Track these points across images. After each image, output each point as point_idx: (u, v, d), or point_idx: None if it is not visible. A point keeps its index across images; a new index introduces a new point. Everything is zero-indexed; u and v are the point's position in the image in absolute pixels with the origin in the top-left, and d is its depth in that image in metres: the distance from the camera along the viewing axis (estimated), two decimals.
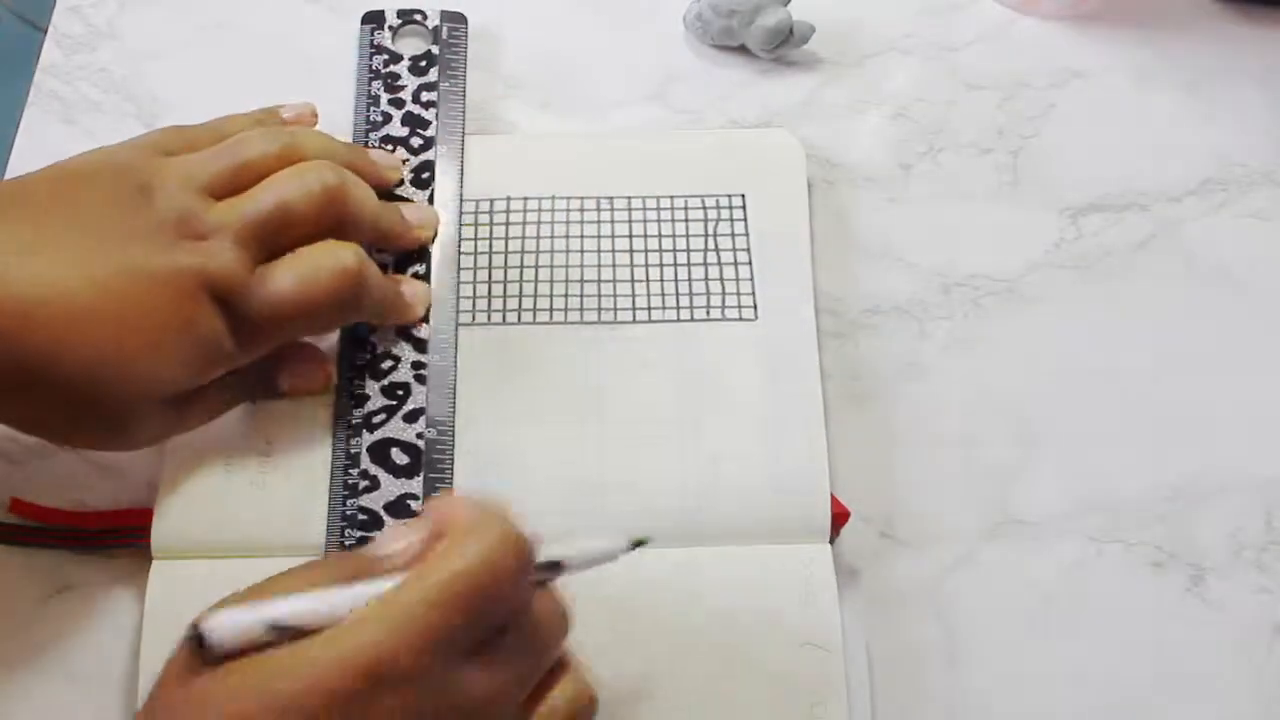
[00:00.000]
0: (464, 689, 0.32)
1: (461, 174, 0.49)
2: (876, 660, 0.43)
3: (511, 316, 0.47)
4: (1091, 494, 0.46)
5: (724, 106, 0.54)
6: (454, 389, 0.45)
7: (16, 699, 0.41)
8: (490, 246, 0.48)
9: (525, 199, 0.49)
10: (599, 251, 0.48)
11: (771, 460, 0.44)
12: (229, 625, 0.31)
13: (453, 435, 0.44)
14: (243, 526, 0.43)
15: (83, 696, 0.41)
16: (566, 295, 0.47)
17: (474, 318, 0.47)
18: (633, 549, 0.37)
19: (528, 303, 0.47)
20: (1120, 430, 0.48)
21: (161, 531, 0.42)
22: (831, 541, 0.44)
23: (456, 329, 0.46)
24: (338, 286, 0.41)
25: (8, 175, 0.50)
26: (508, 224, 0.49)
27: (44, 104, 0.53)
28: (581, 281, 0.48)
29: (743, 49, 0.55)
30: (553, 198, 0.49)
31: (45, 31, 0.55)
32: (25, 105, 0.53)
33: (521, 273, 0.48)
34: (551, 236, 0.49)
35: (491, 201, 0.49)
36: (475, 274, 0.48)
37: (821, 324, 0.48)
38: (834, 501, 0.44)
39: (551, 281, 0.48)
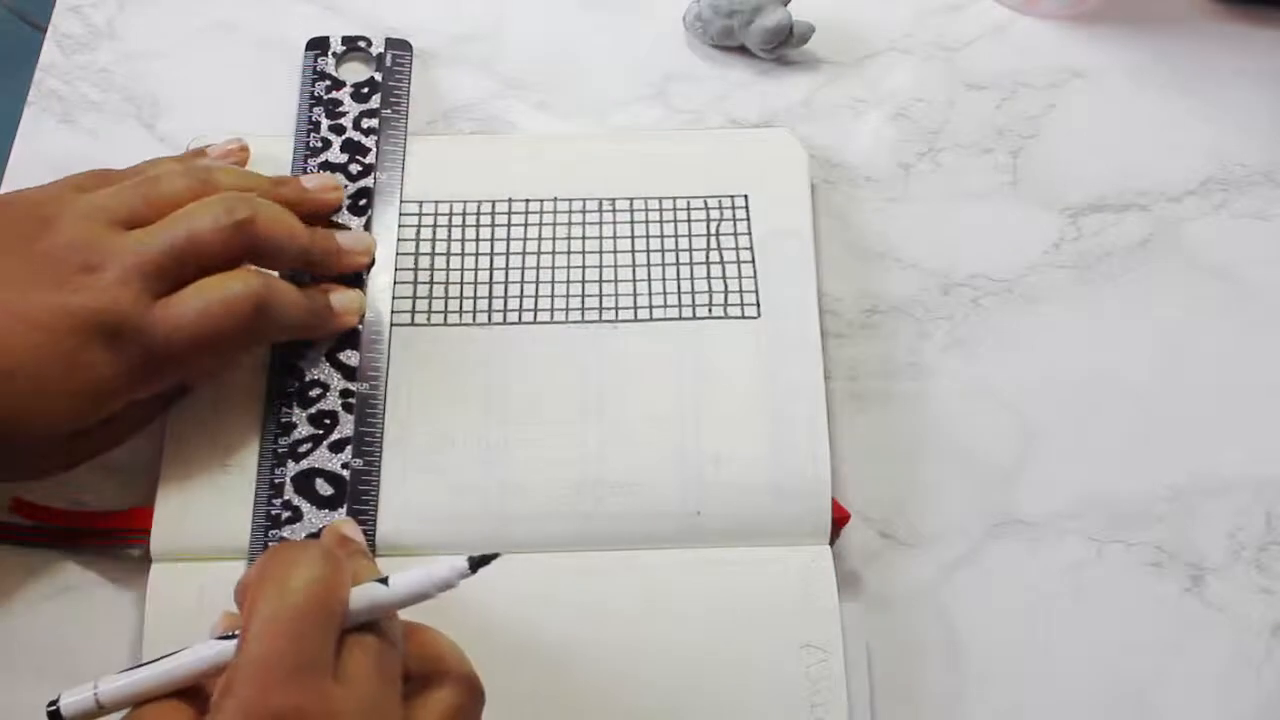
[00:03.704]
0: (349, 701, 0.32)
1: (401, 201, 0.49)
2: (876, 660, 0.43)
3: (513, 316, 0.47)
4: (1091, 494, 0.46)
5: (724, 106, 0.54)
6: (383, 417, 0.44)
7: (16, 699, 0.41)
8: (491, 248, 0.48)
9: (527, 200, 0.49)
10: (600, 252, 0.48)
11: (773, 461, 0.44)
12: (70, 701, 0.34)
13: (379, 465, 0.44)
14: (242, 529, 0.43)
15: None
16: (568, 295, 0.47)
17: (474, 318, 0.47)
18: (474, 570, 0.34)
19: (529, 303, 0.47)
20: (1120, 430, 0.48)
21: (161, 533, 0.42)
22: (831, 543, 0.44)
23: (389, 357, 0.46)
24: (231, 315, 0.40)
25: (7, 174, 0.50)
26: (509, 224, 0.49)
27: (44, 104, 0.53)
28: (583, 281, 0.48)
29: (743, 49, 0.55)
30: (554, 199, 0.49)
31: (45, 31, 0.55)
32: (25, 105, 0.53)
33: (523, 273, 0.48)
34: (554, 238, 0.49)
35: (494, 203, 0.49)
36: (476, 275, 0.48)
37: (822, 324, 0.47)
38: (834, 505, 0.44)
39: (553, 282, 0.48)
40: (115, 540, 0.44)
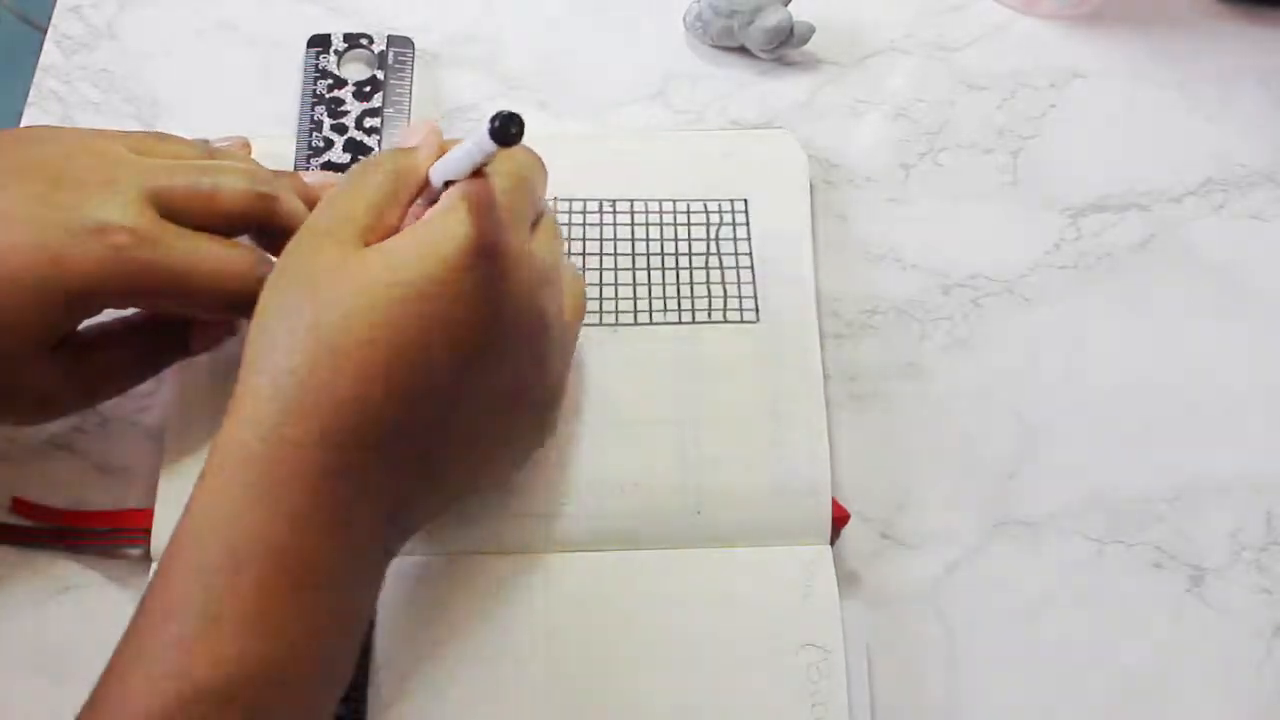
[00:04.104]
0: (538, 255, 0.38)
1: None
2: (876, 660, 0.43)
3: None
4: (1091, 494, 0.46)
5: (724, 106, 0.54)
6: None
7: (16, 699, 0.41)
8: None
9: None
10: (600, 254, 0.48)
11: (773, 462, 0.44)
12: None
13: None
14: None
15: (83, 696, 0.41)
16: None
17: None
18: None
19: None
20: (1120, 430, 0.48)
21: (161, 533, 0.42)
22: (831, 543, 0.44)
23: None
24: (240, 284, 0.40)
25: None
26: None
27: (44, 104, 0.53)
28: (583, 284, 0.48)
29: (743, 49, 0.55)
30: (554, 199, 0.49)
31: (45, 31, 0.55)
32: (25, 105, 0.53)
33: None
34: None
35: None
36: None
37: (821, 325, 0.48)
38: (834, 505, 0.44)
39: None
40: (115, 540, 0.44)
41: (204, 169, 0.41)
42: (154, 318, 0.43)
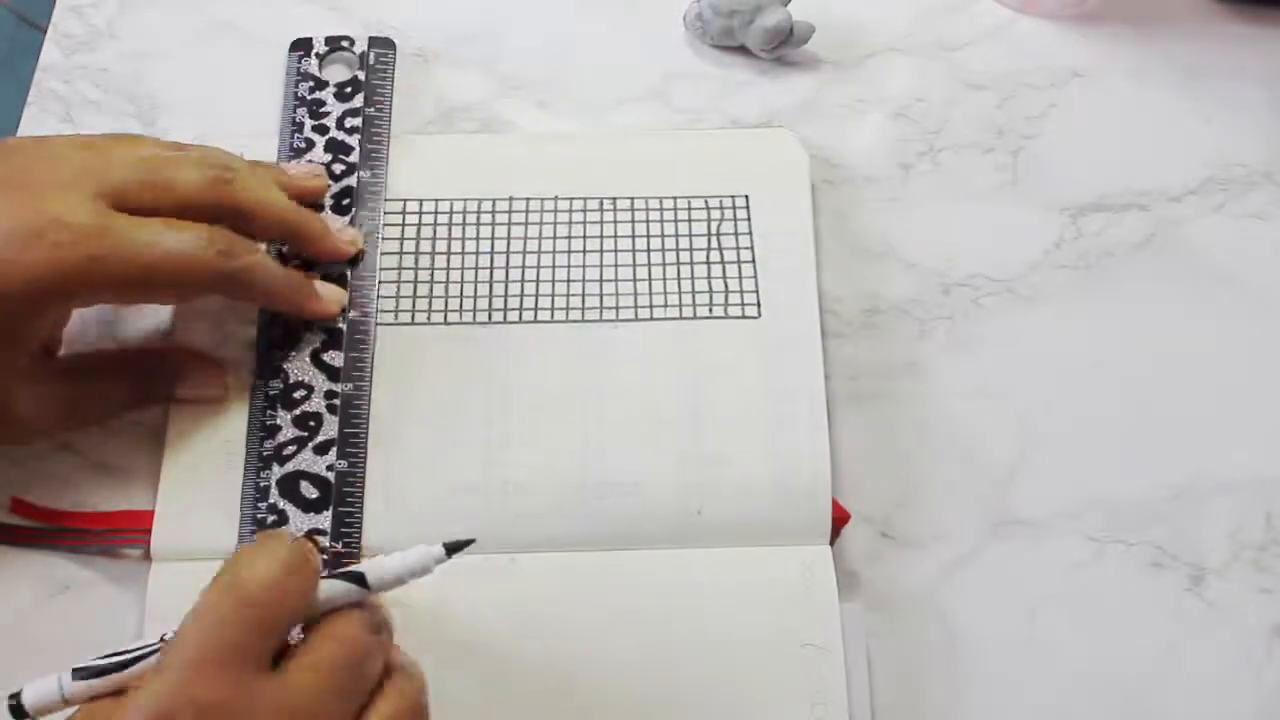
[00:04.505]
0: (274, 698, 0.32)
1: (384, 198, 0.49)
2: (876, 660, 0.43)
3: (513, 315, 0.47)
4: (1091, 494, 0.46)
5: (724, 106, 0.54)
6: (367, 417, 0.44)
7: None
8: (492, 247, 0.48)
9: (528, 199, 0.49)
10: (601, 251, 0.48)
11: (773, 461, 0.44)
12: (35, 690, 0.34)
13: (365, 467, 0.43)
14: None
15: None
16: (568, 295, 0.47)
17: (474, 317, 0.47)
18: (450, 555, 0.35)
19: (529, 302, 0.47)
20: (1120, 430, 0.48)
21: (162, 533, 0.43)
22: (831, 543, 0.44)
23: (373, 356, 0.45)
24: (184, 267, 0.40)
25: None
26: (509, 223, 0.49)
27: (43, 103, 0.53)
28: (584, 281, 0.48)
29: (743, 49, 0.55)
30: (555, 198, 0.49)
31: (45, 31, 0.55)
32: (25, 105, 0.53)
33: (523, 272, 0.48)
34: (554, 237, 0.49)
35: (494, 201, 0.49)
36: (477, 274, 0.48)
37: (822, 324, 0.48)
38: (834, 505, 0.44)
39: (553, 281, 0.48)
40: (115, 540, 0.44)
41: (162, 160, 0.41)
42: (144, 353, 0.44)
